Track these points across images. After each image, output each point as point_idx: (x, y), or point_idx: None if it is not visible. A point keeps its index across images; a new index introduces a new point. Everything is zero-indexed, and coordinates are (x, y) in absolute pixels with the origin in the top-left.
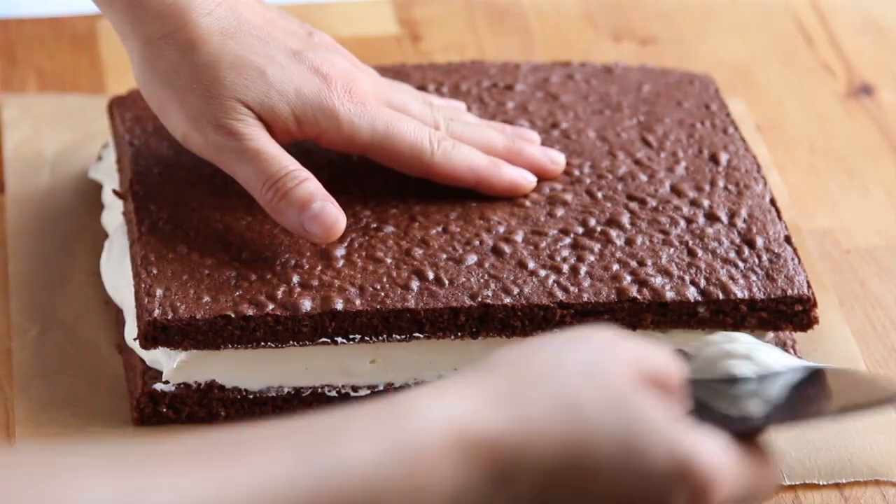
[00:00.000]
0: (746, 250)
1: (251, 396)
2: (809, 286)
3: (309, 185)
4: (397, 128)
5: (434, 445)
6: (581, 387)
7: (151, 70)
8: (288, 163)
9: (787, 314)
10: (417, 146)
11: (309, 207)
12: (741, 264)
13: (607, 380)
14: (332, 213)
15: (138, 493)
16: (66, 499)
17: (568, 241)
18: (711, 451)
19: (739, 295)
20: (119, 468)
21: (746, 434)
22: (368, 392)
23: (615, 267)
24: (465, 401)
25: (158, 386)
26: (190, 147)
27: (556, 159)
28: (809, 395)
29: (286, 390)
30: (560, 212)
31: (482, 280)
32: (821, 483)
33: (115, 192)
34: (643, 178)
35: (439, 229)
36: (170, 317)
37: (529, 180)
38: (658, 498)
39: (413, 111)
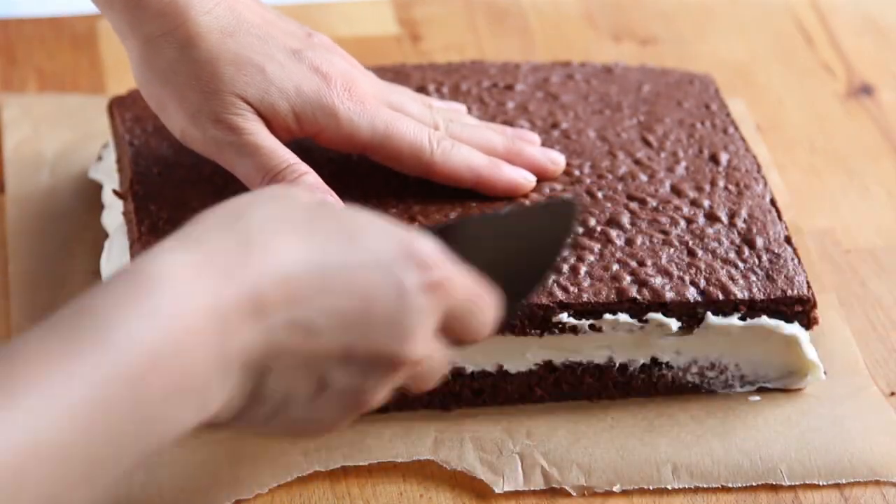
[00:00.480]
0: (746, 250)
1: None
2: (809, 286)
3: (308, 178)
4: (397, 127)
5: (190, 329)
6: (284, 214)
7: (150, 68)
8: (287, 157)
9: (787, 314)
10: (417, 145)
11: None
12: (741, 264)
13: (302, 201)
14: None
15: None
16: None
17: (568, 240)
18: (434, 243)
19: (739, 295)
20: None
21: None
22: None
23: (615, 267)
24: (212, 279)
25: None
26: (189, 144)
27: (555, 160)
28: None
29: None
30: None
31: None
32: (821, 483)
33: (115, 192)
34: (643, 178)
35: None
36: None
37: (529, 180)
38: (392, 282)
39: (412, 111)
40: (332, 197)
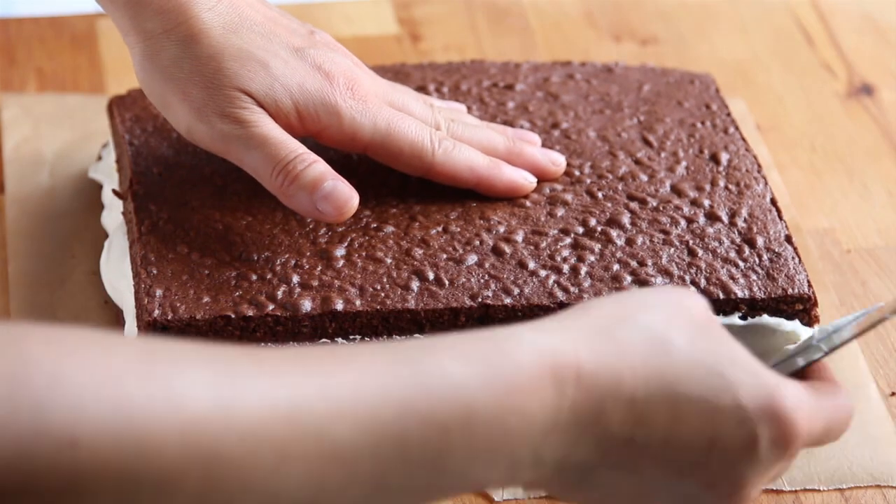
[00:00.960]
0: (747, 250)
1: None
2: (810, 285)
3: (318, 166)
4: (399, 126)
5: (530, 370)
6: (669, 322)
7: (153, 65)
8: (295, 147)
9: (787, 313)
10: (418, 145)
11: (320, 188)
12: (742, 264)
13: (692, 315)
14: (343, 192)
15: (235, 391)
16: (166, 388)
17: (568, 241)
18: (794, 389)
19: (740, 294)
20: (218, 364)
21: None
22: None
23: (615, 267)
24: (561, 334)
25: None
26: (195, 140)
27: (556, 160)
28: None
29: None
30: (560, 212)
31: (482, 280)
32: (822, 489)
33: (114, 191)
34: (643, 177)
35: (439, 229)
36: (170, 317)
37: (530, 181)
38: (745, 434)
39: (414, 111)
40: (343, 183)
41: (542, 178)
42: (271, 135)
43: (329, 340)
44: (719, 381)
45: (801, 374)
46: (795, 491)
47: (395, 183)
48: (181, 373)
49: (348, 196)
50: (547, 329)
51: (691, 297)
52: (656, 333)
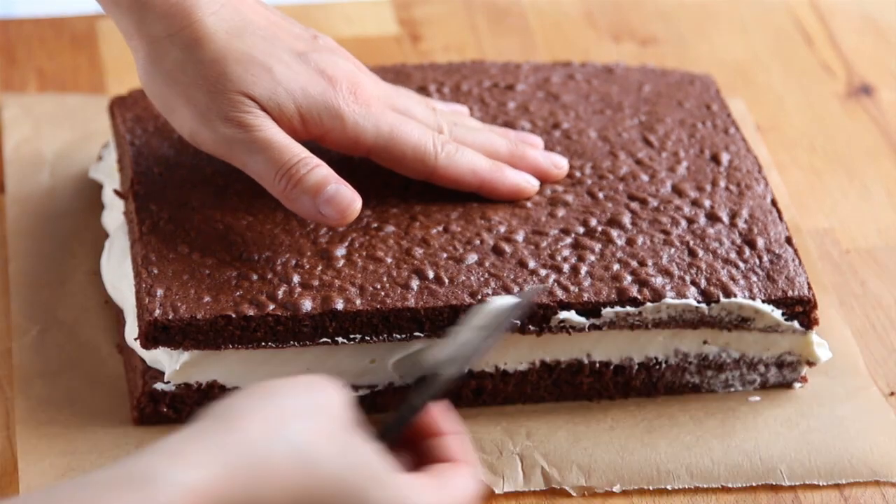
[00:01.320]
0: (747, 251)
1: None
2: (810, 287)
3: (321, 170)
4: (401, 131)
5: None
6: (317, 434)
7: (156, 69)
8: (298, 151)
9: (787, 314)
10: (421, 149)
11: (323, 192)
12: (742, 265)
13: (335, 418)
14: (346, 195)
15: None
16: None
17: (569, 240)
18: (425, 497)
19: (740, 295)
20: None
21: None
22: (368, 392)
23: (616, 267)
24: (203, 469)
25: (159, 386)
26: (198, 144)
27: (558, 163)
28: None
29: None
30: (561, 212)
31: (482, 279)
32: (821, 484)
33: (116, 191)
34: (644, 178)
35: (440, 229)
36: (170, 317)
37: (533, 184)
38: None
39: (417, 115)
40: (346, 186)
41: (545, 180)
42: (275, 139)
43: (329, 340)
44: (360, 497)
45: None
46: (794, 487)
47: (397, 183)
48: None
49: (351, 199)
50: (191, 461)
51: (332, 396)
52: (302, 448)
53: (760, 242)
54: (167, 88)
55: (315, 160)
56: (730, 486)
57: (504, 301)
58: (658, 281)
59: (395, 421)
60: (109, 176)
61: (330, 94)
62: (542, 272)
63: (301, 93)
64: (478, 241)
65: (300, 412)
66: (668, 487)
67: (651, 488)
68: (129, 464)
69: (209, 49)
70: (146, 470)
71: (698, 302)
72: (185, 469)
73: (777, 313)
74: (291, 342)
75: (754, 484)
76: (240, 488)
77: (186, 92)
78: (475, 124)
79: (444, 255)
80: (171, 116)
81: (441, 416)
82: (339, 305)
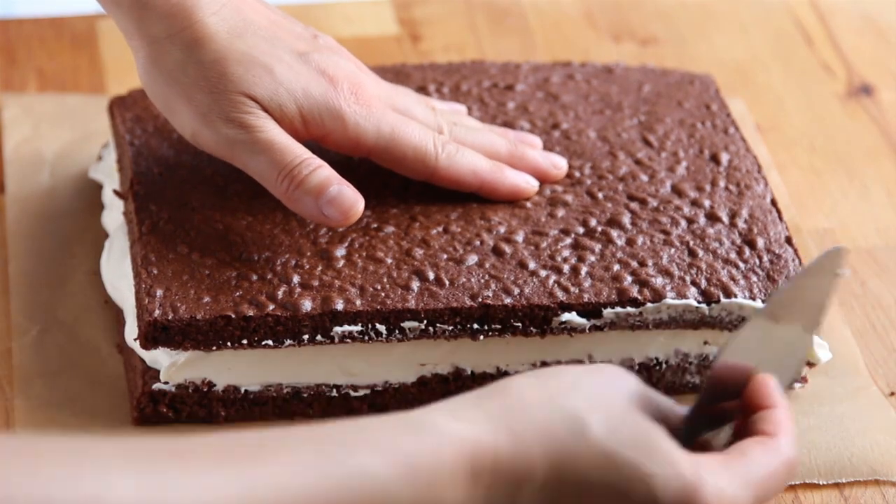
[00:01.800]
0: (747, 251)
1: (251, 396)
2: None
3: (323, 171)
4: (402, 131)
5: (449, 463)
6: (590, 407)
7: (157, 69)
8: (301, 152)
9: None
10: (422, 150)
11: (325, 192)
12: (742, 265)
13: (616, 399)
14: (349, 196)
15: (160, 492)
16: (91, 493)
17: (569, 241)
18: (715, 478)
19: (740, 296)
20: (143, 464)
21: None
22: (368, 392)
23: (616, 267)
24: (476, 424)
25: (158, 386)
26: (199, 145)
27: (558, 164)
28: None
29: (286, 390)
30: (561, 212)
31: (482, 280)
32: (821, 483)
33: (115, 192)
34: (644, 178)
35: (440, 229)
36: (170, 317)
37: (532, 184)
38: None
39: (417, 115)
40: (349, 187)
41: (544, 181)
42: (276, 139)
43: (329, 341)
44: (634, 472)
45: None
46: (794, 487)
47: (396, 183)
48: (106, 475)
49: (354, 200)
50: (465, 416)
51: (621, 379)
52: (576, 418)
53: (760, 242)
54: (168, 89)
55: (317, 161)
56: None
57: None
58: (658, 281)
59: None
60: (109, 176)
61: (331, 94)
62: (543, 273)
63: (302, 93)
64: (478, 242)
65: (581, 386)
66: None
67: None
68: (399, 414)
69: (210, 49)
70: (423, 418)
71: (698, 302)
72: (459, 421)
73: None
74: (291, 342)
75: None
76: (510, 446)
77: (187, 92)
78: (474, 124)
79: (445, 256)
80: (172, 117)
81: (768, 387)
82: (339, 306)
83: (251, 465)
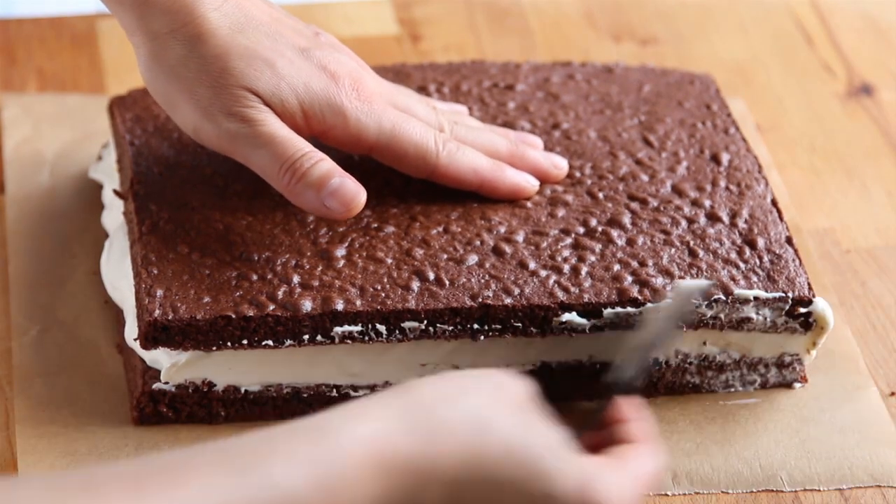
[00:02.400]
0: (748, 251)
1: (251, 396)
2: (810, 288)
3: (325, 163)
4: (403, 128)
5: (355, 463)
6: (492, 405)
7: (159, 65)
8: (302, 145)
9: (787, 316)
10: (423, 147)
11: (327, 185)
12: (742, 265)
13: (514, 398)
14: (350, 188)
15: None
16: None
17: (569, 241)
18: (606, 475)
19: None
20: (54, 499)
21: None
22: (368, 391)
23: (616, 267)
24: (381, 423)
25: (158, 386)
26: (201, 140)
27: (558, 164)
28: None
29: (286, 390)
30: (561, 212)
31: (483, 280)
32: (821, 489)
33: (115, 192)
34: (644, 178)
35: (440, 229)
36: (170, 317)
37: (533, 184)
38: None
39: (418, 113)
40: (350, 179)
41: (545, 180)
42: (278, 133)
43: (329, 341)
44: (535, 469)
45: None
46: (795, 491)
47: (397, 183)
48: None
49: (355, 192)
50: (371, 416)
51: (513, 382)
52: (478, 416)
53: (761, 242)
54: (169, 84)
55: (319, 154)
56: (730, 492)
57: (689, 285)
58: (658, 281)
59: (593, 412)
60: (109, 176)
61: (332, 90)
62: (543, 273)
63: (303, 88)
64: (478, 242)
65: (480, 389)
66: (668, 493)
67: (651, 494)
68: (306, 421)
69: (212, 45)
70: (325, 424)
71: (699, 302)
72: (364, 423)
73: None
74: (291, 342)
75: (754, 490)
76: (416, 444)
77: (189, 87)
78: (475, 123)
79: (445, 257)
80: (174, 112)
81: (625, 403)
82: (340, 306)
83: (159, 492)
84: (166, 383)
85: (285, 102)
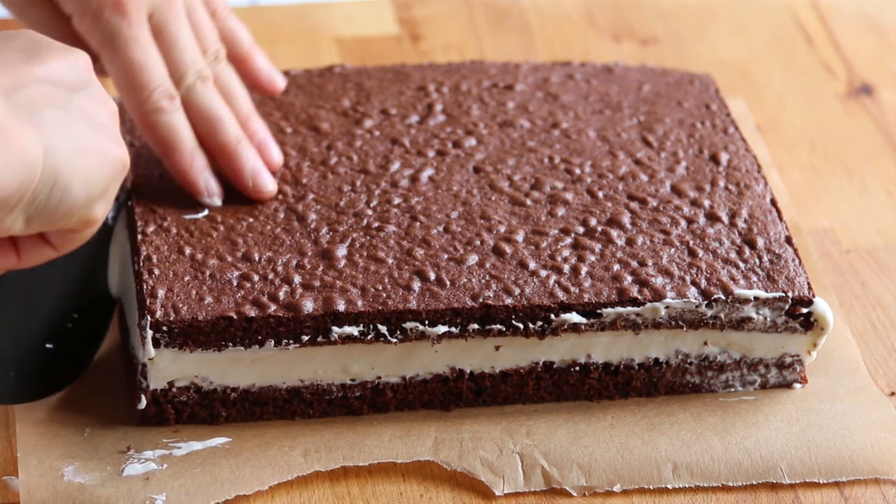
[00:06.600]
0: (747, 251)
1: (252, 396)
2: (810, 288)
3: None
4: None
5: None
6: None
7: None
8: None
9: (787, 315)
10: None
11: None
12: (742, 265)
13: None
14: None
15: None
16: None
17: (569, 240)
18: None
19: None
20: None
21: None
22: (368, 391)
23: (616, 267)
24: None
25: (159, 386)
26: None
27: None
28: None
29: (286, 390)
30: (561, 211)
31: (483, 281)
32: (821, 482)
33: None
34: (644, 177)
35: (440, 229)
36: (172, 318)
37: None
38: None
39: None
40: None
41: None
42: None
43: (329, 342)
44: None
45: None
46: (794, 486)
47: (397, 181)
48: None
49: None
50: None
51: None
52: None
53: (760, 242)
54: None
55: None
56: (730, 484)
57: None
58: (658, 281)
59: None
60: None
61: None
62: (543, 273)
63: None
64: (478, 242)
65: None
66: (669, 487)
67: (651, 487)
68: None
69: None
70: None
71: (699, 302)
72: None
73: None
74: (292, 342)
75: (754, 482)
76: None
77: None
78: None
79: (445, 256)
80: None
81: None
82: (341, 307)
83: None
84: (167, 383)
85: None
